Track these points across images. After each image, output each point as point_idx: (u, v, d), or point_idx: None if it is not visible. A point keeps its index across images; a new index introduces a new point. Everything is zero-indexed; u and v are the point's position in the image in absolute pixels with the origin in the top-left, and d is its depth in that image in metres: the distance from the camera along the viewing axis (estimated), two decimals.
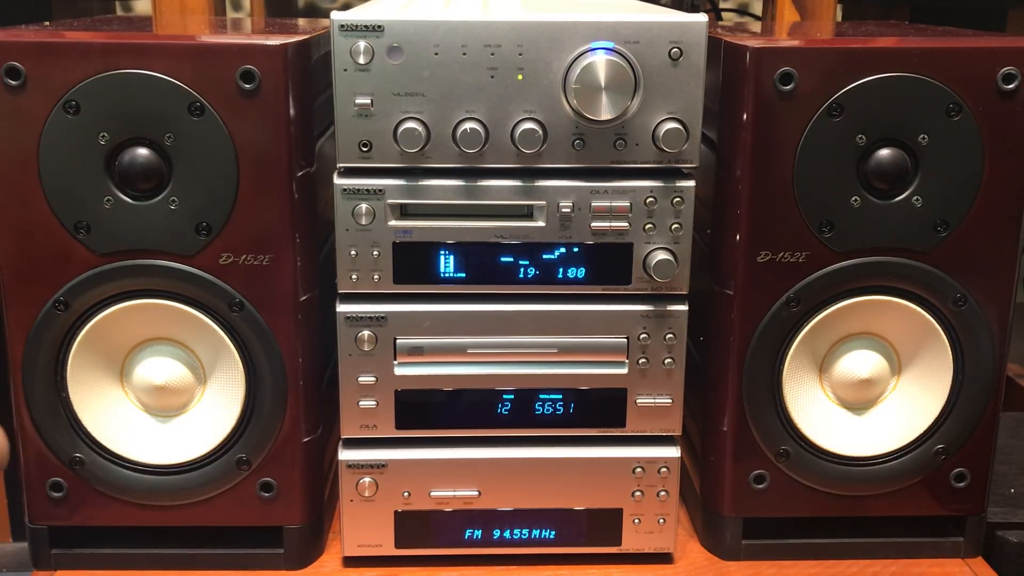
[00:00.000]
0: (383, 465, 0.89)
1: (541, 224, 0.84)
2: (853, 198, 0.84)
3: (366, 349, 0.86)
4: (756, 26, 1.42)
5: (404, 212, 0.83)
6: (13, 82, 0.78)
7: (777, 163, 0.83)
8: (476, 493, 0.90)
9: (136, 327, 0.86)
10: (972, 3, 1.60)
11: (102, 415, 0.87)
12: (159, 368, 0.87)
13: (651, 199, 0.83)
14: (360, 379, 0.87)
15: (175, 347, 0.87)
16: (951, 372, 0.89)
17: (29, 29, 0.85)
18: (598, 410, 0.89)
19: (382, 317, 0.85)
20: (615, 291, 0.86)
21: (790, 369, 0.89)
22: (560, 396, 0.88)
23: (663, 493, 0.91)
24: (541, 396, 0.88)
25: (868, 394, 0.91)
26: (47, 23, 0.97)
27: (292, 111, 0.80)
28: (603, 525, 0.92)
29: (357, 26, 0.78)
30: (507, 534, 0.92)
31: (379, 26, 0.78)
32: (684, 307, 0.86)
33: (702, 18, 0.79)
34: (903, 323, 0.89)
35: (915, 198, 0.84)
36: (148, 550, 0.91)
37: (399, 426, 0.88)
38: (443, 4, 0.91)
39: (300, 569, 0.92)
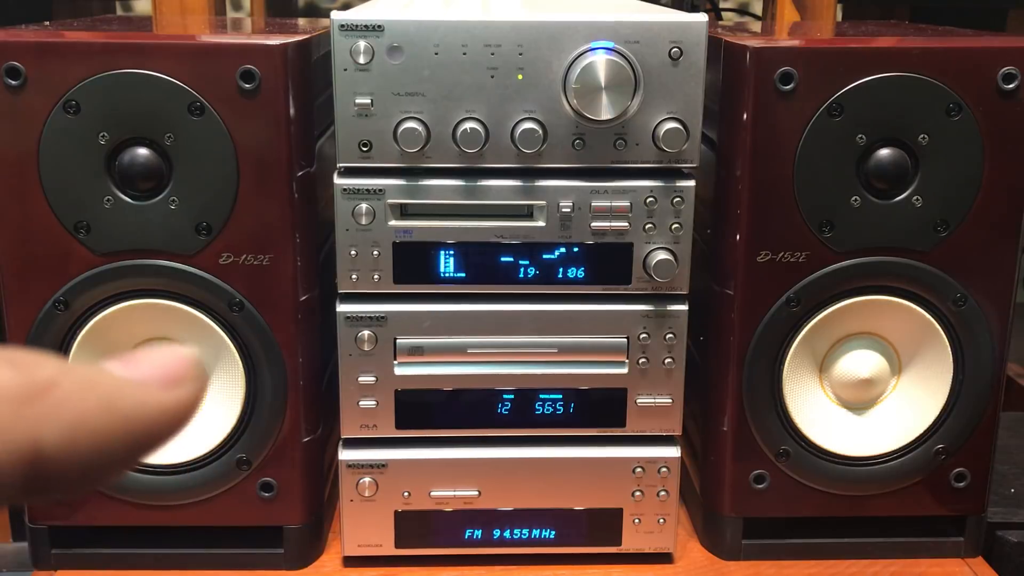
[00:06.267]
0: (383, 465, 0.89)
1: (541, 224, 0.84)
2: (853, 198, 0.84)
3: (366, 349, 0.86)
4: (756, 26, 1.42)
5: (404, 212, 0.83)
6: (13, 82, 0.78)
7: (777, 163, 0.83)
8: (476, 493, 0.90)
9: (136, 327, 0.86)
10: (972, 3, 1.60)
11: None
12: None
13: (651, 199, 0.83)
14: (360, 379, 0.87)
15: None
16: (951, 372, 0.89)
17: (29, 29, 0.85)
18: (598, 410, 0.89)
19: (382, 317, 0.85)
20: (615, 291, 0.86)
21: (790, 369, 0.89)
22: (560, 396, 0.88)
23: (663, 493, 0.91)
24: (541, 396, 0.88)
25: (868, 394, 0.91)
26: (47, 23, 0.97)
27: (292, 111, 0.80)
28: (603, 525, 0.91)
29: (357, 26, 0.78)
30: (507, 534, 0.92)
31: (379, 26, 0.78)
32: (684, 307, 0.86)
33: (702, 18, 0.79)
34: (903, 323, 0.89)
35: (915, 198, 0.84)
36: (148, 550, 0.91)
37: (399, 426, 0.88)
38: (443, 4, 0.91)
39: (300, 569, 0.92)
